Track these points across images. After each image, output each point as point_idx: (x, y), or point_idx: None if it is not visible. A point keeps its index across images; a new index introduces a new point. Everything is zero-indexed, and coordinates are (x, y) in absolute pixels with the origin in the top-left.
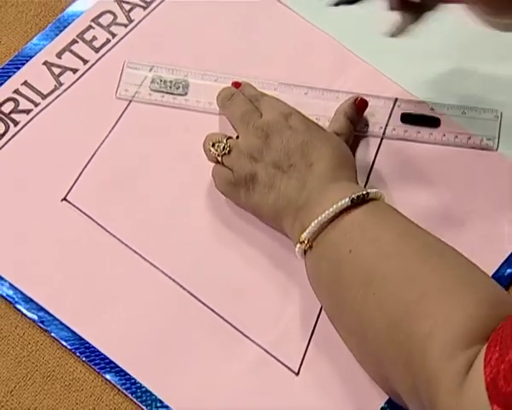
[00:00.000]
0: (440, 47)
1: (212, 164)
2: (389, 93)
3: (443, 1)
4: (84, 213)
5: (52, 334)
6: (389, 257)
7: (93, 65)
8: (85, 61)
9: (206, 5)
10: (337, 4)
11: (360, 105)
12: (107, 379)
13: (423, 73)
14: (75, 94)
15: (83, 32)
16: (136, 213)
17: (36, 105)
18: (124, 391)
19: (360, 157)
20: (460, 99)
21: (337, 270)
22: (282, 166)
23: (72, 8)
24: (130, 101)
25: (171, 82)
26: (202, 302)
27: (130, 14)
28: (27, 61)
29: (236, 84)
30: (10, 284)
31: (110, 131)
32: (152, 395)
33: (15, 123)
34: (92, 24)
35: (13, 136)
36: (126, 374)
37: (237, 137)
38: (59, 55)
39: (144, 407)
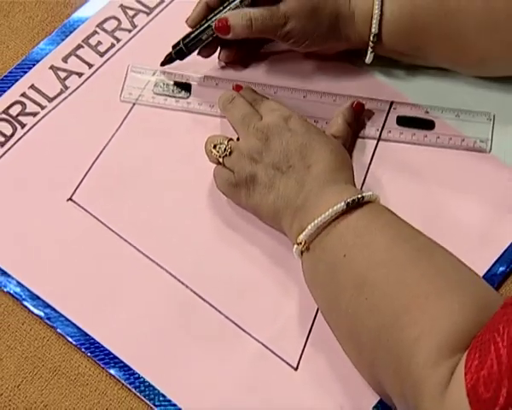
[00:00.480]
0: None
1: (214, 165)
2: (385, 97)
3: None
4: (89, 213)
5: (58, 330)
6: (380, 264)
7: (98, 69)
8: (90, 66)
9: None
10: (163, 64)
11: (357, 108)
12: (111, 374)
13: (418, 78)
14: (80, 97)
15: (88, 37)
16: (140, 213)
17: (42, 108)
18: (127, 386)
19: (357, 159)
20: (454, 102)
21: (332, 273)
22: (281, 167)
23: (77, 14)
24: (134, 104)
25: (173, 85)
26: (204, 299)
27: (134, 19)
28: (34, 65)
29: (237, 88)
30: (18, 282)
31: (114, 133)
32: (155, 389)
33: (22, 125)
34: (97, 29)
35: (20, 138)
36: (130, 369)
37: (238, 139)
38: (65, 60)
39: (147, 401)
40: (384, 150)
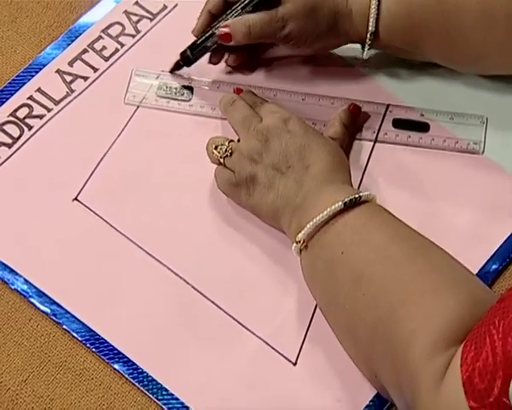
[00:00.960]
0: None
1: (215, 166)
2: (381, 99)
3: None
4: (94, 213)
5: (64, 326)
6: (377, 261)
7: (103, 73)
8: (95, 70)
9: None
10: (172, 71)
11: (354, 111)
12: (115, 369)
13: (414, 81)
14: (86, 100)
15: (93, 42)
16: (143, 212)
17: (49, 110)
18: (131, 380)
19: (354, 160)
20: (448, 105)
21: (330, 269)
22: (280, 167)
23: (83, 20)
24: (138, 106)
25: (176, 89)
26: (205, 297)
27: (138, 25)
28: (41, 69)
29: (238, 91)
30: (25, 280)
31: (119, 135)
32: (158, 383)
33: (29, 127)
34: (102, 34)
35: (27, 139)
36: (134, 364)
37: (238, 141)
38: (70, 64)
39: (150, 395)
40: (380, 152)
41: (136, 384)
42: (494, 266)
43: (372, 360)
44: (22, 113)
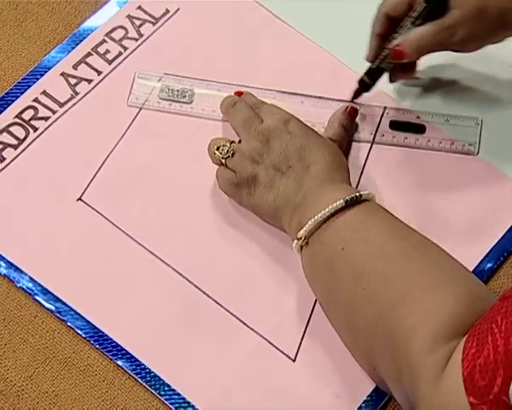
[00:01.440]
0: (425, 59)
1: (216, 166)
2: (379, 102)
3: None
4: (98, 212)
5: (68, 323)
6: (377, 257)
7: (106, 76)
8: (99, 72)
9: (210, 21)
10: (355, 97)
11: (351, 113)
12: (118, 365)
13: (411, 84)
14: (90, 102)
15: (97, 46)
16: (146, 212)
17: (54, 112)
18: (134, 376)
19: (352, 161)
20: (444, 107)
21: (330, 265)
22: (281, 167)
23: (87, 24)
24: (141, 108)
25: (178, 91)
26: (206, 294)
27: (141, 29)
28: (46, 72)
29: (238, 94)
30: (30, 277)
31: (122, 137)
32: (160, 379)
33: (35, 129)
34: (105, 38)
35: (32, 141)
36: (137, 360)
37: (239, 142)
38: (75, 67)
39: (153, 391)
40: (378, 153)
41: (139, 380)
42: (489, 265)
43: (372, 354)
44: (28, 115)
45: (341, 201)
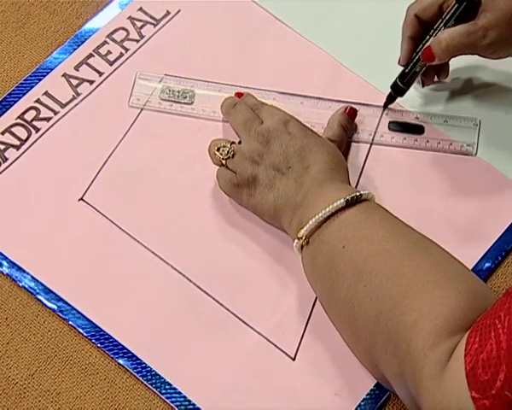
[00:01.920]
0: None
1: (217, 167)
2: (377, 102)
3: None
4: (99, 212)
5: (70, 322)
6: (378, 254)
7: (107, 77)
8: (101, 73)
9: (211, 23)
10: (386, 106)
11: (350, 113)
12: (120, 364)
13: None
14: (91, 103)
15: (98, 47)
16: (147, 212)
17: (55, 113)
18: (135, 375)
19: (352, 161)
20: (442, 108)
21: (331, 263)
22: (281, 168)
23: (88, 26)
24: (142, 109)
25: (178, 92)
26: (207, 293)
27: (142, 30)
28: (48, 73)
29: (239, 95)
30: (32, 277)
31: (123, 137)
32: (161, 378)
33: (37, 129)
34: (107, 39)
35: (34, 141)
36: (138, 359)
37: (240, 143)
38: (77, 68)
39: (154, 389)
40: (377, 153)
41: (140, 379)
42: (487, 264)
43: (373, 351)
44: (30, 115)
45: (342, 200)
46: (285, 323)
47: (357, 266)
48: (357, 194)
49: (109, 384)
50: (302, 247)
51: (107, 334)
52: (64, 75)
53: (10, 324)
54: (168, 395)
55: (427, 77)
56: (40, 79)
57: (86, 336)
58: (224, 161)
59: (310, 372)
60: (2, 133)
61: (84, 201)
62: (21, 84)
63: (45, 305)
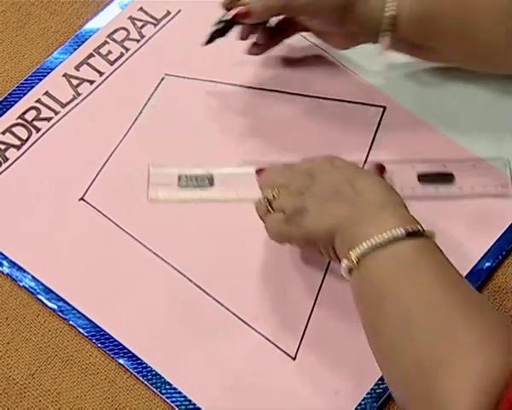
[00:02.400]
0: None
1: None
2: (377, 101)
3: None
4: (100, 212)
5: (70, 322)
6: (430, 306)
7: (108, 76)
8: (101, 73)
9: (211, 23)
10: (210, 41)
11: (378, 169)
12: (120, 363)
13: (410, 85)
14: (92, 103)
15: (99, 47)
16: (147, 212)
17: (56, 113)
18: (136, 374)
19: None
20: (444, 109)
21: (379, 296)
22: (330, 194)
23: (89, 26)
24: (143, 109)
25: (196, 178)
26: (207, 293)
27: (142, 30)
28: (48, 73)
29: (260, 172)
30: (32, 277)
31: (124, 137)
32: (161, 377)
33: (37, 129)
34: (107, 39)
35: (35, 141)
36: (138, 359)
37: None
38: (77, 68)
39: (154, 389)
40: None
41: (141, 379)
42: (487, 264)
43: (405, 403)
44: (30, 115)
45: (402, 230)
46: (285, 323)
47: (407, 310)
48: (420, 228)
49: (110, 384)
50: (350, 271)
51: (107, 334)
52: (64, 75)
53: (11, 323)
54: (168, 395)
55: (243, 32)
56: (41, 79)
57: (86, 336)
58: (268, 207)
59: (310, 372)
60: (3, 133)
61: (84, 201)
62: (22, 84)
63: (46, 305)
